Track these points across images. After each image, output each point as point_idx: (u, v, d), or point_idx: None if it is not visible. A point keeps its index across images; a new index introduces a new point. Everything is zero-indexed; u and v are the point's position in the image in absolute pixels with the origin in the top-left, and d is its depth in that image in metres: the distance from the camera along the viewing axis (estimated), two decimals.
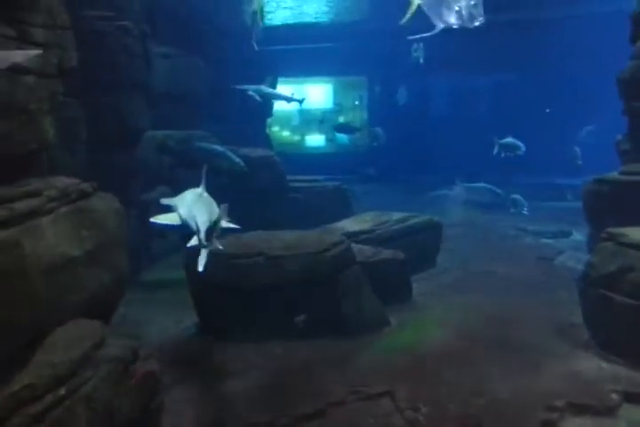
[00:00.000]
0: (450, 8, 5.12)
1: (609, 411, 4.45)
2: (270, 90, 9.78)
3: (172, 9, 9.99)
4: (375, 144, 14.00)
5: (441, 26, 5.35)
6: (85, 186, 4.27)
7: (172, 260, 8.60)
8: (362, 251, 6.87)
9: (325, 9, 11.89)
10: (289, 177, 10.71)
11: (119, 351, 3.68)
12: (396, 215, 8.63)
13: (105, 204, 4.37)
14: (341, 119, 18.96)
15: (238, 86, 9.99)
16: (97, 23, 7.49)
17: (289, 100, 10.22)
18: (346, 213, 9.67)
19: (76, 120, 6.61)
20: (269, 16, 12.13)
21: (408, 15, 5.61)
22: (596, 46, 12.48)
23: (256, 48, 8.74)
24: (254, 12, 8.40)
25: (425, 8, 5.40)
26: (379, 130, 14.07)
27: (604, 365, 5.15)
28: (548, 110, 15.05)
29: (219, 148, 9.52)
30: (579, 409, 4.47)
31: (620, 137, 7.88)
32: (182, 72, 10.30)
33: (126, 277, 4.58)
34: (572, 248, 9.34)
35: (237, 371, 5.36)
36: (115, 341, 3.77)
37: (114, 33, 7.71)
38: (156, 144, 8.85)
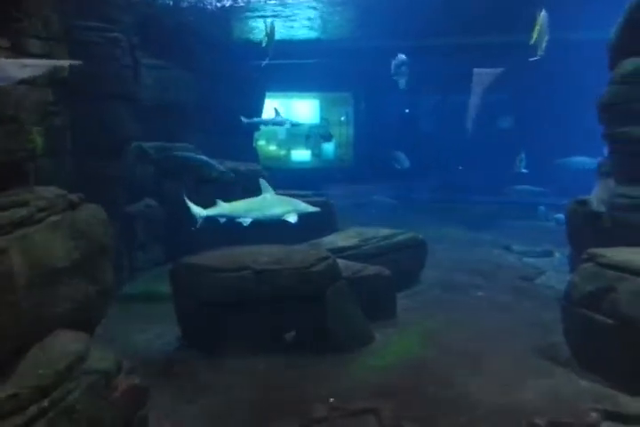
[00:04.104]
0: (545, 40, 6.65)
1: None
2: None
3: (162, 21, 10.04)
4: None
5: (539, 54, 6.79)
6: (73, 197, 4.25)
7: (155, 273, 8.56)
8: (348, 266, 6.88)
9: (313, 26, 12.17)
10: (276, 191, 10.68)
11: (103, 364, 3.65)
12: (382, 232, 8.67)
13: (92, 215, 4.34)
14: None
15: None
16: (87, 34, 7.49)
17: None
18: (331, 228, 9.67)
19: (62, 129, 6.57)
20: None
21: (534, 34, 6.76)
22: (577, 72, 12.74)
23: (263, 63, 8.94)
24: (268, 31, 8.53)
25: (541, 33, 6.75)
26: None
27: (584, 383, 5.20)
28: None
29: (204, 157, 9.53)
30: None
31: (601, 160, 8.04)
32: (170, 84, 10.29)
33: (112, 289, 4.54)
34: (554, 268, 9.43)
35: (219, 386, 5.32)
36: (98, 353, 3.73)
37: (104, 44, 7.72)
38: (136, 153, 8.84)
